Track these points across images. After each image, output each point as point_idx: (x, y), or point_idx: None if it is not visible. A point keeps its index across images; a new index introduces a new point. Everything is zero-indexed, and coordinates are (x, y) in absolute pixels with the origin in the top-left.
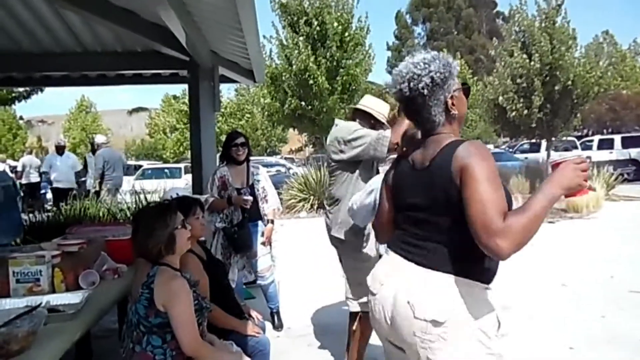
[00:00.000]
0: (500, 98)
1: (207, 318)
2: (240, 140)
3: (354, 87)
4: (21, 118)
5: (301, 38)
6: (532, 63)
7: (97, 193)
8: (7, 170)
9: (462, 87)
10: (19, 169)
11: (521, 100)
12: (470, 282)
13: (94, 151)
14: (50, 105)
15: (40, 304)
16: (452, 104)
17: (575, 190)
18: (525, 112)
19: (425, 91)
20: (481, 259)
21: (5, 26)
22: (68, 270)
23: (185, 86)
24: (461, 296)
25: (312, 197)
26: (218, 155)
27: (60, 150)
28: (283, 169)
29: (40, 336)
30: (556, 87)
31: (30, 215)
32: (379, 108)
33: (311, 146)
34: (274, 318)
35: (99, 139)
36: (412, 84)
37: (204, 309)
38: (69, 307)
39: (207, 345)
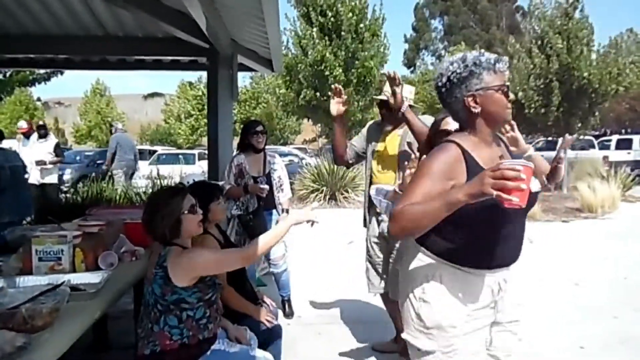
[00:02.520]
0: (520, 94)
1: (220, 296)
2: (260, 128)
3: (369, 80)
4: (38, 99)
5: (315, 29)
6: (550, 65)
7: (110, 174)
8: None
9: (499, 86)
10: None
11: (540, 98)
12: (444, 262)
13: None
14: (67, 87)
15: (64, 282)
16: (473, 103)
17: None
18: (543, 110)
19: (443, 89)
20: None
21: (30, 8)
22: (88, 251)
23: (201, 73)
24: (431, 274)
25: (324, 188)
26: (235, 142)
27: (32, 132)
28: (296, 159)
29: (62, 314)
30: (573, 86)
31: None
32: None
33: (324, 137)
34: (285, 306)
35: (117, 125)
36: (437, 82)
37: (217, 285)
38: (89, 286)
39: (253, 246)
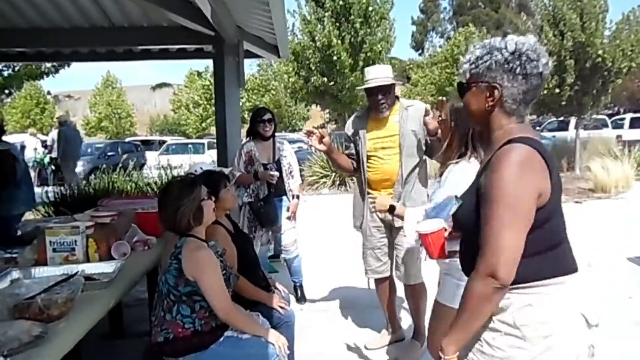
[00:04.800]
0: None
1: (233, 289)
2: (267, 116)
3: (378, 64)
4: (49, 93)
5: (327, 13)
6: (565, 42)
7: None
8: (39, 144)
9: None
10: (49, 143)
11: (554, 78)
12: None
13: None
14: (77, 80)
15: (78, 272)
16: None
17: None
18: (557, 90)
19: None
20: None
21: (36, 1)
22: (101, 241)
23: (209, 62)
24: None
25: (333, 174)
26: (244, 130)
27: None
28: (305, 146)
29: (76, 303)
30: (587, 64)
31: (61, 188)
32: (388, 74)
33: (333, 123)
34: (297, 292)
35: (63, 119)
36: None
37: (231, 278)
38: (103, 276)
39: (239, 309)
